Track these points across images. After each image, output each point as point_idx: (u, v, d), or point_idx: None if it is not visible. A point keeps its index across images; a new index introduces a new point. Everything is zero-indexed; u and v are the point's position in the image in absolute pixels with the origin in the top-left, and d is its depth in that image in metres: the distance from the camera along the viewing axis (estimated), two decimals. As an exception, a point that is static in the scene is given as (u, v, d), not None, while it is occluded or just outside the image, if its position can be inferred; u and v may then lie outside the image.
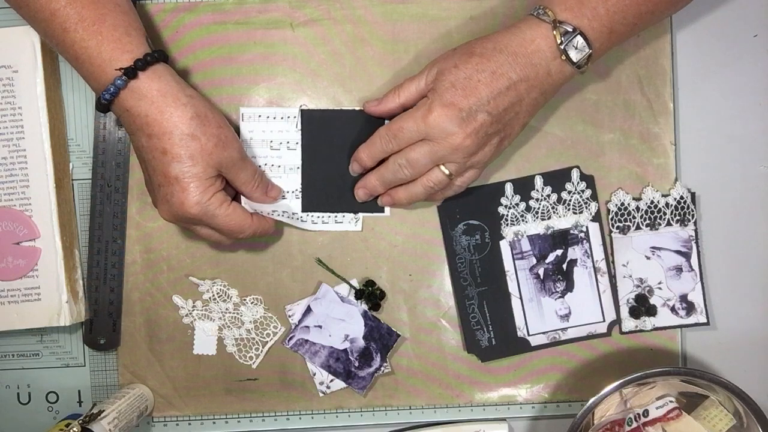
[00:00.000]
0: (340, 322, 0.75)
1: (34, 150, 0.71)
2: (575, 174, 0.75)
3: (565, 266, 0.75)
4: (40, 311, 0.72)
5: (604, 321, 0.76)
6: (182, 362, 0.75)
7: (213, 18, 0.74)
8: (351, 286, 0.75)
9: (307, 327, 0.75)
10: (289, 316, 0.75)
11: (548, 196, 0.75)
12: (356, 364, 0.75)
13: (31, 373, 0.76)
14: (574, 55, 0.64)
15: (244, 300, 0.75)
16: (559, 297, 0.75)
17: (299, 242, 0.75)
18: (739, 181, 0.77)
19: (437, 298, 0.76)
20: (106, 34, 0.62)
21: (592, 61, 0.65)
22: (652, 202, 0.75)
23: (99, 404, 0.70)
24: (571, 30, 0.63)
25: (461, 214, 0.75)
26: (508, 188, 0.75)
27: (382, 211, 0.75)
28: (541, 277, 0.75)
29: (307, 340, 0.75)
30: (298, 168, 0.73)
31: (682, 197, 0.75)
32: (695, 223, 0.76)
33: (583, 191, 0.75)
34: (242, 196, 0.71)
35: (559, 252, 0.75)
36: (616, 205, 0.75)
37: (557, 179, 0.75)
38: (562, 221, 0.75)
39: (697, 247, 0.76)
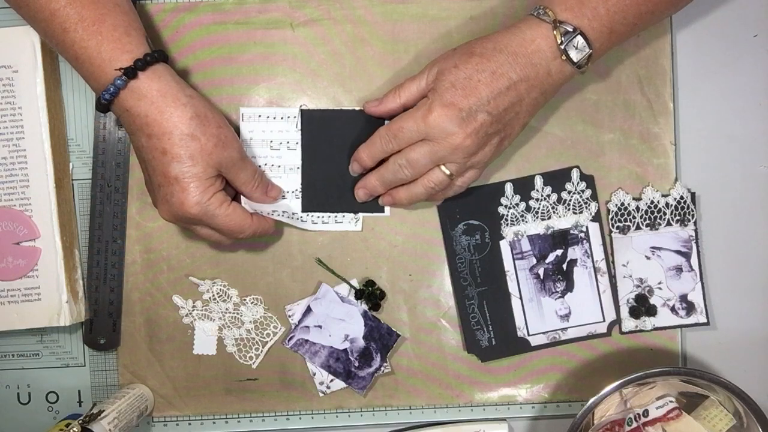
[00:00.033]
0: (340, 322, 0.75)
1: (34, 150, 0.71)
2: (575, 174, 0.75)
3: (565, 266, 0.75)
4: (40, 311, 0.72)
5: (604, 321, 0.76)
6: (182, 362, 0.75)
7: (213, 18, 0.74)
8: (351, 286, 0.75)
9: (307, 327, 0.75)
10: (289, 316, 0.75)
11: (548, 196, 0.75)
12: (356, 364, 0.75)
13: (31, 373, 0.76)
14: (575, 55, 0.64)
15: (244, 300, 0.75)
16: (559, 297, 0.75)
17: (299, 242, 0.75)
18: (739, 181, 0.77)
19: (437, 298, 0.76)
20: (106, 34, 0.62)
21: (593, 61, 0.65)
22: (652, 202, 0.75)
23: (99, 404, 0.70)
24: (571, 30, 0.63)
25: (461, 214, 0.75)
26: (508, 188, 0.75)
27: (382, 211, 0.75)
28: (541, 277, 0.75)
29: (307, 340, 0.75)
30: (298, 168, 0.73)
31: (682, 197, 0.75)
32: (695, 223, 0.76)
33: (583, 191, 0.75)
34: (242, 196, 0.71)
35: (559, 252, 0.75)
36: (616, 205, 0.75)
37: (557, 179, 0.75)
38: (562, 221, 0.75)
39: (697, 247, 0.76)
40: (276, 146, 0.73)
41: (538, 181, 0.75)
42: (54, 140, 0.72)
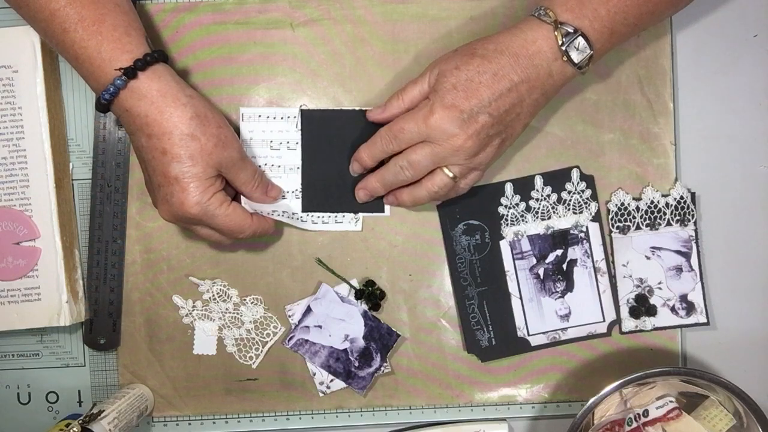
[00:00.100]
0: (340, 322, 0.75)
1: (34, 150, 0.71)
2: (575, 174, 0.75)
3: (565, 266, 0.75)
4: (40, 311, 0.72)
5: (604, 321, 0.76)
6: (182, 362, 0.75)
7: (213, 18, 0.73)
8: (351, 286, 0.75)
9: (307, 327, 0.75)
10: (289, 316, 0.75)
11: (548, 196, 0.75)
12: (356, 364, 0.75)
13: (31, 373, 0.76)
14: (576, 56, 0.64)
15: (244, 300, 0.75)
16: (559, 297, 0.75)
17: (299, 242, 0.75)
18: (739, 181, 0.77)
19: (437, 298, 0.76)
20: (106, 34, 0.62)
21: (594, 62, 0.65)
22: (652, 202, 0.75)
23: (99, 404, 0.70)
24: (572, 31, 0.63)
25: (461, 214, 0.75)
26: (508, 188, 0.75)
27: (382, 211, 0.75)
28: (541, 277, 0.75)
29: (307, 340, 0.75)
30: (298, 168, 0.73)
31: (682, 197, 0.75)
32: (695, 223, 0.76)
33: (583, 191, 0.75)
34: (242, 196, 0.71)
35: (559, 252, 0.75)
36: (616, 205, 0.75)
37: (557, 179, 0.75)
38: (562, 221, 0.75)
39: (697, 247, 0.76)
40: (276, 146, 0.73)
41: (538, 181, 0.75)
42: (54, 140, 0.72)
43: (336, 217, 0.74)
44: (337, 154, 0.73)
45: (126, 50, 0.62)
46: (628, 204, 0.75)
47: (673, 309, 0.76)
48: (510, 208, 0.75)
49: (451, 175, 0.66)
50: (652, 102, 0.75)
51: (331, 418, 0.77)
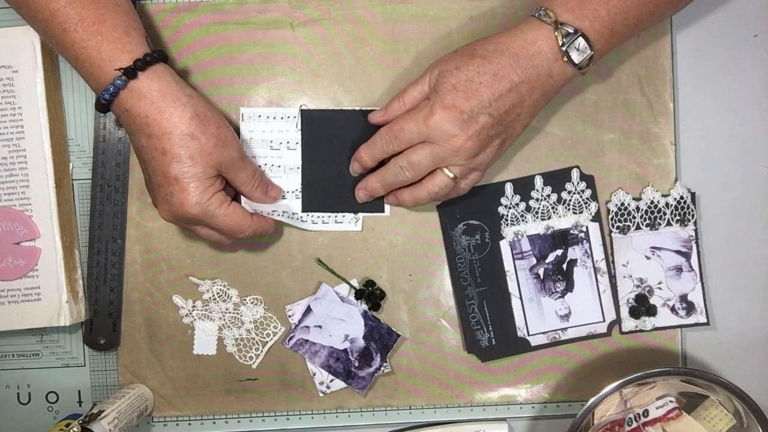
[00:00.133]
0: (340, 322, 0.75)
1: (34, 150, 0.71)
2: (575, 174, 0.75)
3: (565, 266, 0.75)
4: (40, 311, 0.72)
5: (604, 321, 0.76)
6: (182, 362, 0.75)
7: (213, 18, 0.73)
8: (351, 286, 0.75)
9: (307, 327, 0.75)
10: (289, 316, 0.75)
11: (548, 196, 0.75)
12: (356, 364, 0.75)
13: (31, 373, 0.76)
14: (576, 57, 0.64)
15: (244, 300, 0.75)
16: (559, 297, 0.75)
17: (299, 242, 0.75)
18: (739, 181, 0.77)
19: (437, 298, 0.76)
20: (106, 34, 0.62)
21: (594, 62, 0.65)
22: (652, 202, 0.75)
23: (99, 404, 0.70)
24: (572, 31, 0.63)
25: (461, 214, 0.75)
26: (508, 188, 0.75)
27: (382, 211, 0.75)
28: (541, 277, 0.75)
29: (307, 340, 0.75)
30: (298, 168, 0.73)
31: (682, 197, 0.75)
32: (695, 223, 0.76)
33: (583, 191, 0.75)
34: (242, 196, 0.71)
35: (559, 252, 0.75)
36: (616, 205, 0.75)
37: (557, 179, 0.75)
38: (562, 221, 0.75)
39: (697, 247, 0.76)
40: (276, 146, 0.73)
41: (538, 181, 0.75)
42: (54, 140, 0.72)
43: (336, 217, 0.74)
44: (337, 154, 0.73)
45: (126, 50, 0.62)
46: (628, 204, 0.75)
47: (673, 309, 0.76)
48: (510, 208, 0.75)
49: (451, 175, 0.66)
50: (652, 102, 0.75)
51: (331, 418, 0.77)
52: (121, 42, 0.62)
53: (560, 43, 0.63)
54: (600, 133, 0.75)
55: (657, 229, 0.76)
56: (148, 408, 0.74)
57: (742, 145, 0.76)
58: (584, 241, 0.75)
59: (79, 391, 0.76)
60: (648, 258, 0.76)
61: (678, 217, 0.75)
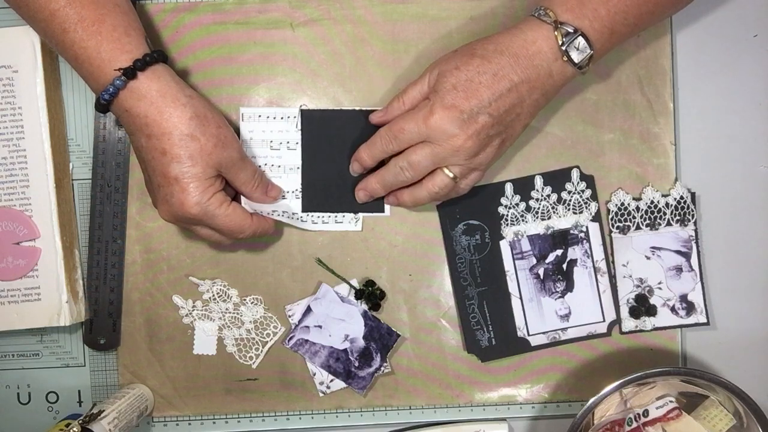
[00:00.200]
0: (340, 322, 0.75)
1: (34, 150, 0.71)
2: (575, 174, 0.75)
3: (565, 266, 0.75)
4: (40, 311, 0.72)
5: (604, 321, 0.76)
6: (182, 362, 0.75)
7: (213, 18, 0.73)
8: (351, 286, 0.75)
9: (307, 327, 0.75)
10: (289, 316, 0.75)
11: (548, 196, 0.75)
12: (356, 364, 0.75)
13: (31, 373, 0.76)
14: (576, 56, 0.64)
15: (244, 300, 0.75)
16: (559, 297, 0.75)
17: (299, 242, 0.75)
18: (739, 181, 0.77)
19: (437, 298, 0.76)
20: (106, 34, 0.62)
21: (594, 62, 0.65)
22: (652, 202, 0.75)
23: (99, 404, 0.70)
24: (572, 31, 0.63)
25: (461, 214, 0.75)
26: (508, 188, 0.75)
27: (382, 211, 0.75)
28: (541, 277, 0.75)
29: (307, 340, 0.75)
30: (298, 168, 0.73)
31: (682, 197, 0.75)
32: (695, 223, 0.76)
33: (583, 191, 0.75)
34: (242, 196, 0.71)
35: (559, 252, 0.75)
36: (616, 205, 0.75)
37: (557, 179, 0.75)
38: (562, 221, 0.75)
39: (697, 247, 0.76)
40: (276, 146, 0.73)
41: (538, 181, 0.75)
42: (54, 140, 0.72)
43: (336, 217, 0.74)
44: (337, 154, 0.73)
45: (125, 50, 0.62)
46: (628, 204, 0.75)
47: (673, 309, 0.76)
48: (510, 208, 0.75)
49: (451, 175, 0.66)
50: (652, 102, 0.75)
51: (331, 418, 0.77)
52: (120, 42, 0.62)
53: (560, 42, 0.63)
54: (600, 133, 0.75)
55: (657, 229, 0.75)
56: (148, 408, 0.74)
57: (742, 145, 0.76)
58: (584, 241, 0.75)
59: (79, 391, 0.76)
60: (648, 258, 0.76)
61: (678, 217, 0.75)
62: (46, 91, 0.71)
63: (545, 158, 0.75)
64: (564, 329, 0.76)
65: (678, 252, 0.76)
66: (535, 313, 0.75)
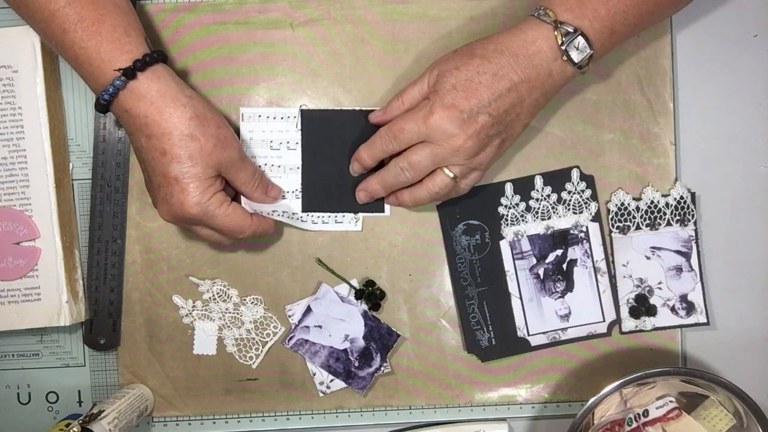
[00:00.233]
0: (340, 322, 0.75)
1: (34, 150, 0.71)
2: (575, 174, 0.75)
3: (565, 266, 0.75)
4: (40, 311, 0.72)
5: (604, 321, 0.76)
6: (182, 362, 0.75)
7: (213, 18, 0.73)
8: (351, 286, 0.75)
9: (307, 327, 0.75)
10: (289, 316, 0.75)
11: (548, 196, 0.75)
12: (356, 364, 0.75)
13: (31, 373, 0.76)
14: (576, 56, 0.64)
15: (244, 300, 0.75)
16: (559, 297, 0.75)
17: (299, 242, 0.75)
18: (739, 181, 0.77)
19: (437, 298, 0.76)
20: (105, 34, 0.62)
21: (594, 62, 0.65)
22: (652, 202, 0.75)
23: (99, 404, 0.70)
24: (572, 31, 0.63)
25: (461, 214, 0.75)
26: (508, 188, 0.75)
27: (382, 211, 0.75)
28: (541, 277, 0.75)
29: (307, 340, 0.75)
30: (298, 168, 0.73)
31: (682, 197, 0.75)
32: (695, 223, 0.76)
33: (583, 191, 0.75)
34: (242, 196, 0.71)
35: (559, 252, 0.75)
36: (616, 205, 0.75)
37: (557, 179, 0.75)
38: (562, 221, 0.75)
39: (697, 247, 0.76)
40: (276, 146, 0.73)
41: (538, 181, 0.75)
42: (54, 140, 0.72)
43: (336, 217, 0.74)
44: (337, 154, 0.73)
45: (125, 51, 0.62)
46: (628, 204, 0.75)
47: (673, 309, 0.76)
48: (510, 208, 0.75)
49: (451, 175, 0.66)
50: (652, 102, 0.75)
51: (331, 418, 0.77)
52: (120, 42, 0.62)
53: (560, 42, 0.63)
54: (600, 133, 0.75)
55: (657, 229, 0.75)
56: (148, 408, 0.74)
57: (742, 145, 0.76)
58: (584, 241, 0.75)
59: (79, 391, 0.76)
60: (648, 258, 0.76)
61: (678, 217, 0.75)
62: (46, 91, 0.71)
63: (545, 158, 0.75)
64: (564, 329, 0.76)
65: (678, 252, 0.76)
66: (535, 313, 0.75)
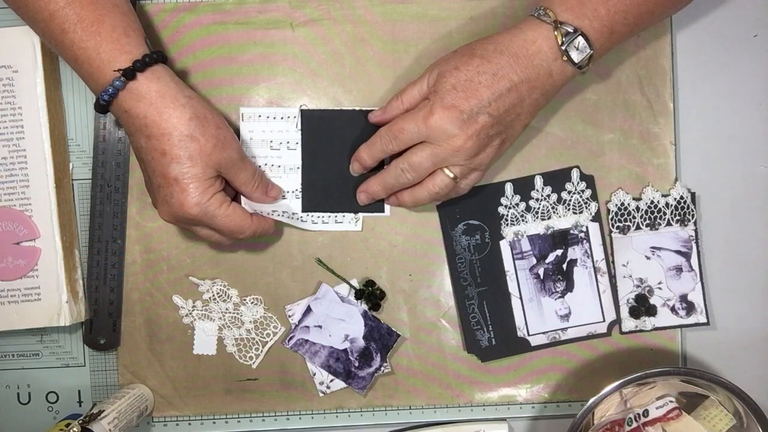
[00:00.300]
0: (340, 322, 0.75)
1: (34, 150, 0.71)
2: (575, 174, 0.75)
3: (565, 266, 0.75)
4: (40, 311, 0.72)
5: (604, 321, 0.76)
6: (182, 362, 0.75)
7: (213, 18, 0.73)
8: (351, 286, 0.75)
9: (307, 327, 0.75)
10: (289, 316, 0.75)
11: (548, 196, 0.75)
12: (356, 364, 0.75)
13: (31, 373, 0.76)
14: (576, 56, 0.64)
15: (244, 300, 0.75)
16: (559, 297, 0.75)
17: (299, 242, 0.75)
18: (739, 181, 0.77)
19: (437, 298, 0.76)
20: (105, 35, 0.62)
21: (594, 62, 0.65)
22: (652, 202, 0.75)
23: (99, 404, 0.70)
24: (572, 31, 0.63)
25: (461, 214, 0.75)
26: (508, 188, 0.75)
27: (382, 211, 0.75)
28: (541, 277, 0.75)
29: (307, 340, 0.75)
30: (298, 168, 0.73)
31: (682, 197, 0.75)
32: (695, 223, 0.76)
33: (583, 191, 0.75)
34: (242, 197, 0.71)
35: (559, 252, 0.75)
36: (616, 205, 0.75)
37: (557, 179, 0.75)
38: (562, 221, 0.75)
39: (697, 247, 0.76)
40: (276, 146, 0.73)
41: (538, 181, 0.75)
42: (54, 140, 0.72)
43: (336, 217, 0.74)
44: (337, 154, 0.73)
45: (125, 51, 0.62)
46: (628, 204, 0.75)
47: (673, 309, 0.76)
48: (510, 208, 0.75)
49: (451, 175, 0.66)
50: (652, 102, 0.75)
51: (331, 418, 0.77)
52: (120, 43, 0.62)
53: (560, 42, 0.63)
54: (600, 133, 0.75)
55: (657, 229, 0.75)
56: (148, 408, 0.74)
57: (742, 145, 0.76)
58: (584, 241, 0.75)
59: (79, 391, 0.76)
60: (648, 258, 0.76)
61: (678, 217, 0.75)
62: (46, 91, 0.71)
63: (545, 158, 0.75)
64: (564, 329, 0.76)
65: (678, 252, 0.76)
66: (535, 313, 0.75)
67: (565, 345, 0.76)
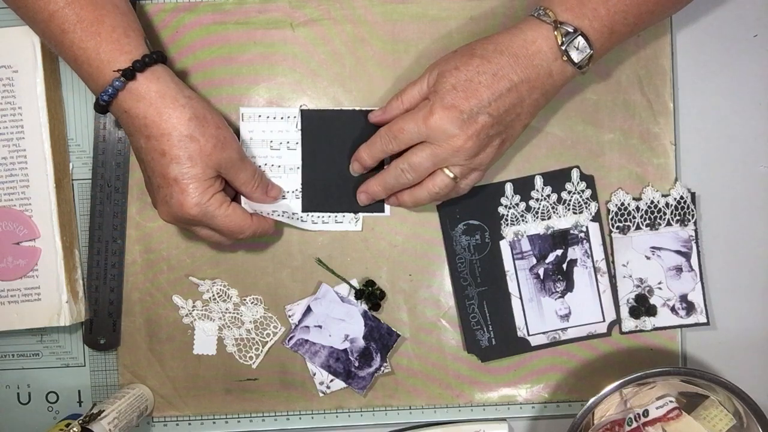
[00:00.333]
0: (340, 322, 0.75)
1: (34, 150, 0.71)
2: (575, 174, 0.75)
3: (565, 266, 0.75)
4: (40, 311, 0.72)
5: (604, 321, 0.76)
6: (182, 362, 0.75)
7: (213, 18, 0.73)
8: (351, 286, 0.75)
9: (307, 327, 0.75)
10: (289, 316, 0.75)
11: (548, 196, 0.75)
12: (356, 364, 0.75)
13: (31, 373, 0.76)
14: (576, 56, 0.64)
15: (244, 300, 0.75)
16: (559, 297, 0.75)
17: (299, 242, 0.75)
18: (739, 181, 0.77)
19: (437, 298, 0.76)
20: (105, 35, 0.62)
21: (594, 62, 0.65)
22: (652, 202, 0.75)
23: (99, 404, 0.70)
24: (572, 31, 0.63)
25: (461, 214, 0.75)
26: (508, 188, 0.75)
27: (383, 211, 0.75)
28: (541, 277, 0.75)
29: (307, 340, 0.75)
30: (298, 168, 0.73)
31: (682, 197, 0.75)
32: (695, 223, 0.76)
33: (583, 191, 0.75)
34: (242, 197, 0.71)
35: (559, 252, 0.75)
36: (616, 205, 0.75)
37: (557, 179, 0.75)
38: (562, 221, 0.75)
39: (697, 247, 0.76)
40: (276, 146, 0.73)
41: (538, 181, 0.75)
42: (54, 140, 0.72)
43: (336, 217, 0.74)
44: (337, 154, 0.73)
45: (124, 51, 0.62)
46: (628, 204, 0.75)
47: (673, 309, 0.76)
48: (510, 208, 0.75)
49: (451, 175, 0.66)
50: (652, 102, 0.75)
51: (331, 418, 0.77)
52: (119, 43, 0.62)
53: (560, 42, 0.63)
54: (600, 133, 0.75)
55: (657, 229, 0.75)
56: (148, 408, 0.74)
57: (742, 145, 0.76)
58: (584, 241, 0.75)
59: (79, 391, 0.76)
60: (648, 258, 0.76)
61: (678, 217, 0.75)
62: (46, 91, 0.71)
63: (545, 158, 0.75)
64: (564, 329, 0.76)
65: (678, 252, 0.76)
66: (535, 313, 0.75)
67: (565, 345, 0.76)
